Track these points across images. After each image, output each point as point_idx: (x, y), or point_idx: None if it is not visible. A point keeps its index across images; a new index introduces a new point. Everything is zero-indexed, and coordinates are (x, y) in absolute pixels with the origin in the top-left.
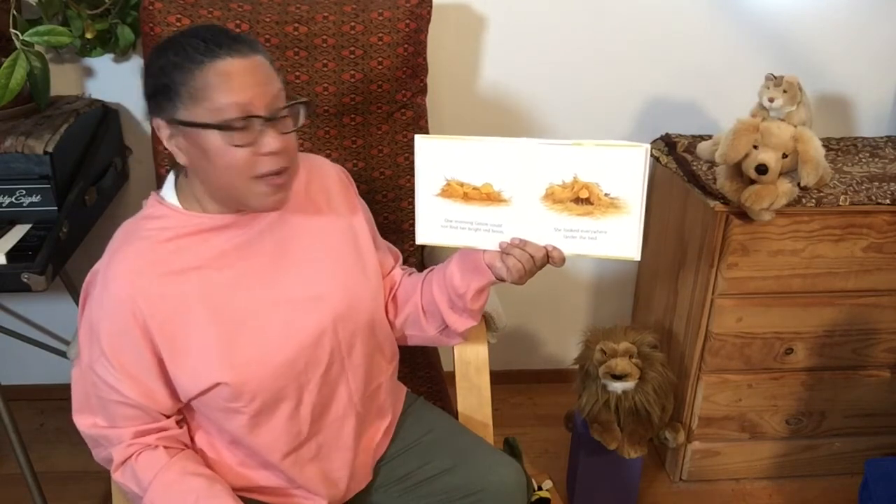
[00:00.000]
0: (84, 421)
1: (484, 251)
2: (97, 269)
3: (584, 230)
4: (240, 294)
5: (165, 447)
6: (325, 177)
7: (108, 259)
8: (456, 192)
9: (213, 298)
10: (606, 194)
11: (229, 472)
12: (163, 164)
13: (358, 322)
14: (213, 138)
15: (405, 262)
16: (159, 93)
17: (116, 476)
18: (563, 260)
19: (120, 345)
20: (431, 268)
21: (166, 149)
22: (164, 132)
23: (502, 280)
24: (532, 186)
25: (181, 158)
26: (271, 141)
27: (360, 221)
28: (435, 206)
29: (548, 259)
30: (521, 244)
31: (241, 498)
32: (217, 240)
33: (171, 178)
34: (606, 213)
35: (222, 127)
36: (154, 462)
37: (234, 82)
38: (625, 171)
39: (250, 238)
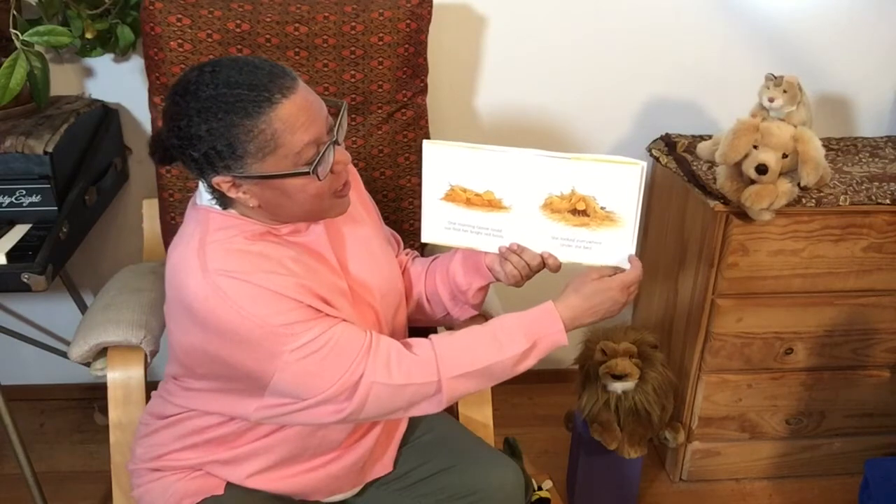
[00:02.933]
0: (324, 396)
1: (486, 254)
2: (195, 290)
3: (579, 240)
4: (317, 289)
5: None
6: None
7: (200, 275)
8: (459, 197)
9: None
10: (602, 207)
11: (263, 478)
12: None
13: (395, 297)
14: (295, 180)
15: None
16: (216, 155)
17: (388, 380)
18: (558, 267)
19: (286, 282)
20: (435, 256)
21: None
22: (227, 185)
23: (500, 281)
24: (532, 196)
25: (252, 203)
26: (339, 155)
27: (371, 210)
28: (439, 208)
29: (544, 265)
30: (519, 251)
31: (273, 498)
32: (287, 242)
33: (204, 190)
34: (602, 225)
35: (308, 172)
36: (412, 342)
37: (300, 121)
38: (621, 187)
39: (314, 237)
